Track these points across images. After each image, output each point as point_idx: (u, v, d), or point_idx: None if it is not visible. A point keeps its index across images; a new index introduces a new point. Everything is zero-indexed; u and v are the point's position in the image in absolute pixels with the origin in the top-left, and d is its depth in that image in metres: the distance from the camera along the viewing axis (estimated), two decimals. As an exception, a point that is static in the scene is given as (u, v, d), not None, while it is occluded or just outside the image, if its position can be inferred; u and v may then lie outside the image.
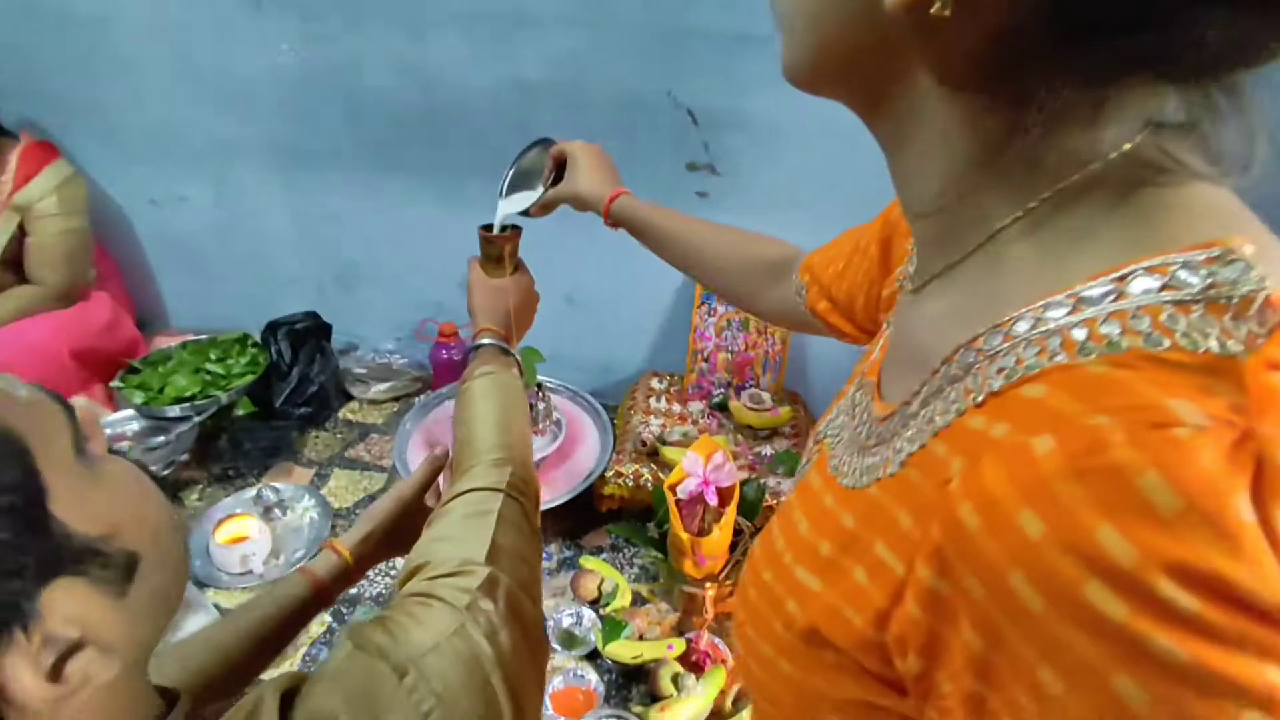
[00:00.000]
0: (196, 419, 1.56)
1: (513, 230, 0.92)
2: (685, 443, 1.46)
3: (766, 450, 1.52)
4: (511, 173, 0.98)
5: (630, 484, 1.44)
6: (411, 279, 1.81)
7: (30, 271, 1.63)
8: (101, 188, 1.82)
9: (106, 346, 1.70)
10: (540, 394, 1.47)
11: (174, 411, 1.56)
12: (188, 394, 1.59)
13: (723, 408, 1.62)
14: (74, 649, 0.32)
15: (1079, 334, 0.28)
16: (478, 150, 1.58)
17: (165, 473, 1.50)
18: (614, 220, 0.89)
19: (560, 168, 0.95)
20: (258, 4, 1.50)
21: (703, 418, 1.62)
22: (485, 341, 0.83)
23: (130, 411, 1.59)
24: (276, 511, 1.43)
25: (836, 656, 0.36)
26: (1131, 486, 0.23)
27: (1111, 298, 0.28)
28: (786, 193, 1.48)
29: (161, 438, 1.53)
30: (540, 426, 1.46)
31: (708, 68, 1.38)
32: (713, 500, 1.19)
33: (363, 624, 0.45)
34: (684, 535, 1.18)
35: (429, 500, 0.83)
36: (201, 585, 1.28)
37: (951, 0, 0.27)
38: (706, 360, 1.66)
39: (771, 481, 1.44)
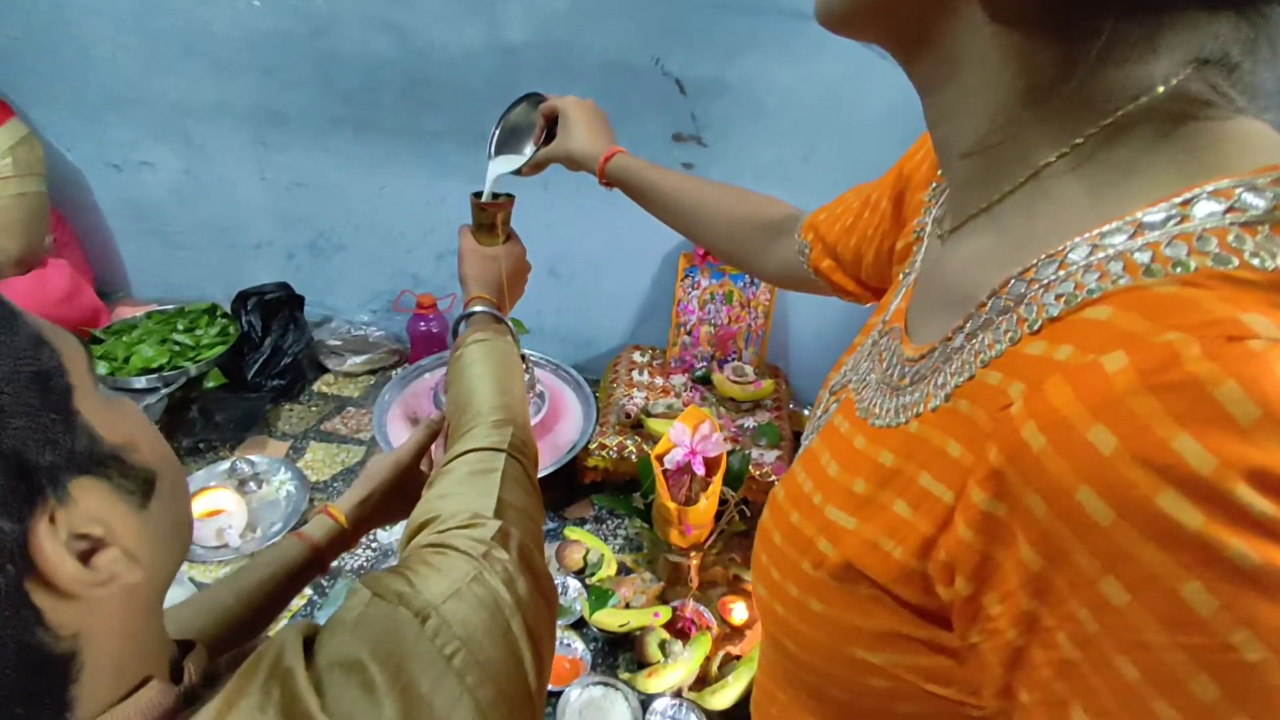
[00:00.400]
0: (164, 390, 1.51)
1: (506, 198, 0.90)
2: (670, 415, 1.46)
3: (749, 423, 1.53)
4: (499, 131, 0.95)
5: (614, 456, 1.44)
6: (388, 249, 1.76)
7: (-17, 236, 1.55)
8: (59, 151, 1.73)
9: (66, 316, 1.63)
10: (524, 366, 1.46)
11: (140, 383, 1.50)
12: (155, 365, 1.54)
13: (705, 381, 1.62)
14: (99, 545, 0.32)
15: (1142, 257, 0.28)
16: (458, 116, 1.54)
17: (133, 445, 1.45)
18: (609, 180, 0.87)
19: (551, 125, 0.93)
20: (226, -45, 1.43)
21: (685, 391, 1.62)
22: (478, 309, 0.82)
23: (94, 382, 1.53)
24: (252, 484, 1.40)
25: (871, 590, 0.36)
26: (1209, 397, 0.23)
27: (1175, 221, 0.29)
28: (773, 166, 1.48)
29: (128, 409, 1.48)
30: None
31: (697, 37, 1.36)
32: (700, 470, 1.19)
33: (378, 574, 0.44)
34: (671, 505, 1.18)
35: (423, 467, 0.82)
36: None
37: None
38: (689, 334, 1.66)
39: (754, 453, 1.45)
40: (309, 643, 0.38)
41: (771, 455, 1.45)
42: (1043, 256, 0.33)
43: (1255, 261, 0.26)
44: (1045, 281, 0.32)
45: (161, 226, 1.82)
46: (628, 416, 1.49)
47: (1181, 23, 0.29)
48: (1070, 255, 0.32)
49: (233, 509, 1.30)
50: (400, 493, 0.78)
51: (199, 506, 1.29)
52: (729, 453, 1.35)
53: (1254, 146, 0.30)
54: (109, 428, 0.34)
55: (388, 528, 1.37)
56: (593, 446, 1.45)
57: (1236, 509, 0.23)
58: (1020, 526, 0.28)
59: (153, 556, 0.35)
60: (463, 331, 0.80)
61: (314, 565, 0.70)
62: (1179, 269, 0.27)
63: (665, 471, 1.22)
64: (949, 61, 0.35)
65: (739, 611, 1.25)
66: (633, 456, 1.43)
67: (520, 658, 0.43)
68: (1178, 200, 0.29)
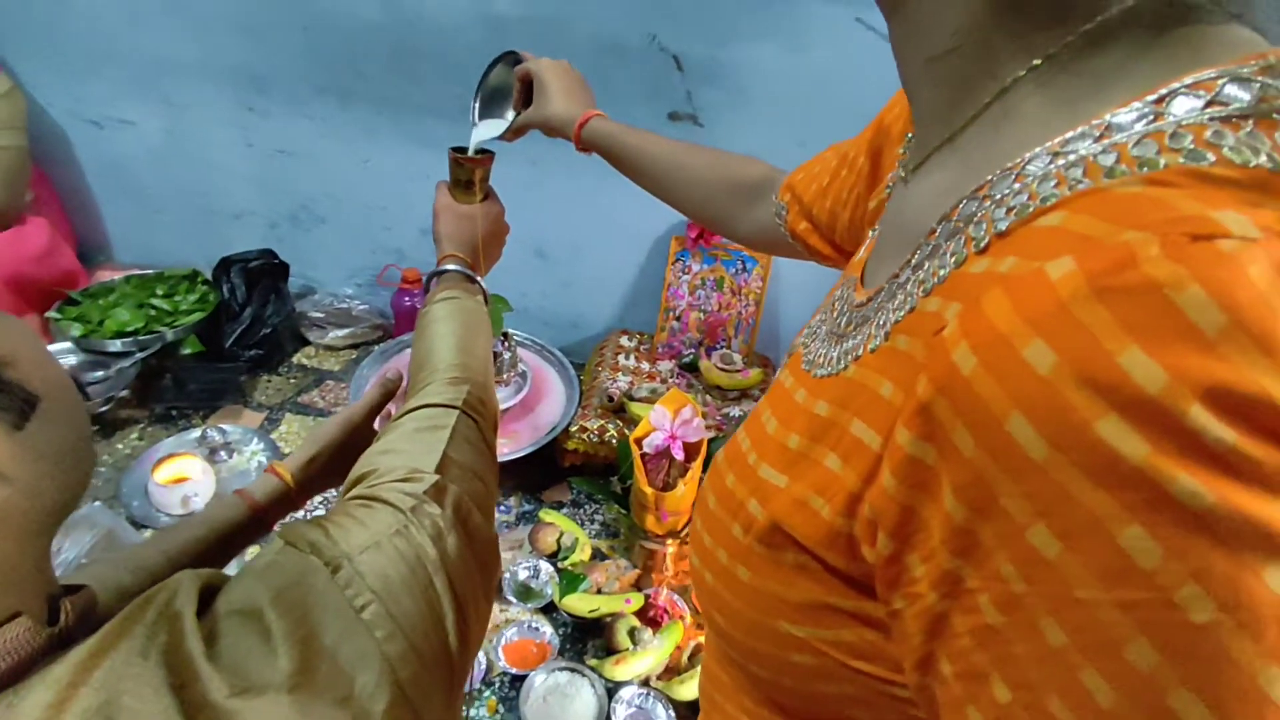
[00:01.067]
0: (139, 355, 1.47)
1: (485, 154, 0.86)
2: (653, 399, 1.43)
3: (735, 412, 1.50)
4: (480, 93, 0.91)
5: (594, 439, 1.41)
6: (372, 221, 1.73)
7: (-42, 190, 1.51)
8: (41, 106, 1.69)
9: (42, 275, 1.59)
10: (506, 344, 1.43)
11: (115, 346, 1.47)
12: (130, 328, 1.51)
13: (692, 368, 1.59)
14: None
15: (1106, 159, 0.25)
16: (445, 86, 1.50)
17: (103, 409, 1.42)
18: (585, 145, 0.84)
19: (529, 88, 0.89)
20: (214, -91, 1.39)
21: (672, 377, 1.59)
22: (450, 268, 0.78)
23: (67, 344, 1.50)
24: (222, 453, 1.37)
25: (797, 556, 0.33)
26: (1168, 304, 0.20)
27: (1148, 120, 0.25)
28: (768, 150, 1.43)
29: (100, 373, 1.45)
30: (505, 377, 1.42)
31: (694, 15, 1.33)
32: (679, 455, 1.17)
33: (296, 523, 0.41)
34: (648, 489, 1.16)
35: (378, 425, 0.79)
36: (139, 526, 1.22)
37: None
38: (678, 319, 1.63)
39: (737, 442, 1.42)
40: (215, 590, 0.35)
41: (754, 445, 1.42)
42: (998, 172, 0.29)
43: (1234, 158, 0.22)
44: (999, 197, 0.29)
45: (142, 188, 1.78)
46: (610, 400, 1.47)
47: None
48: (1028, 167, 0.28)
49: (199, 477, 1.27)
50: (351, 452, 0.74)
51: (164, 473, 1.26)
52: (711, 439, 1.32)
53: (1247, 48, 0.26)
54: None
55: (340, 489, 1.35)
56: (573, 429, 1.42)
57: (1188, 436, 0.20)
58: (946, 471, 0.25)
59: (29, 480, 0.32)
60: (433, 289, 0.77)
61: (255, 525, 0.67)
62: (1146, 168, 0.24)
63: (644, 456, 1.19)
64: None
65: (713, 602, 1.23)
66: (613, 440, 1.41)
67: (441, 616, 0.40)
68: (1152, 98, 0.25)
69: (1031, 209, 0.26)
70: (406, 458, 0.52)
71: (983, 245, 0.28)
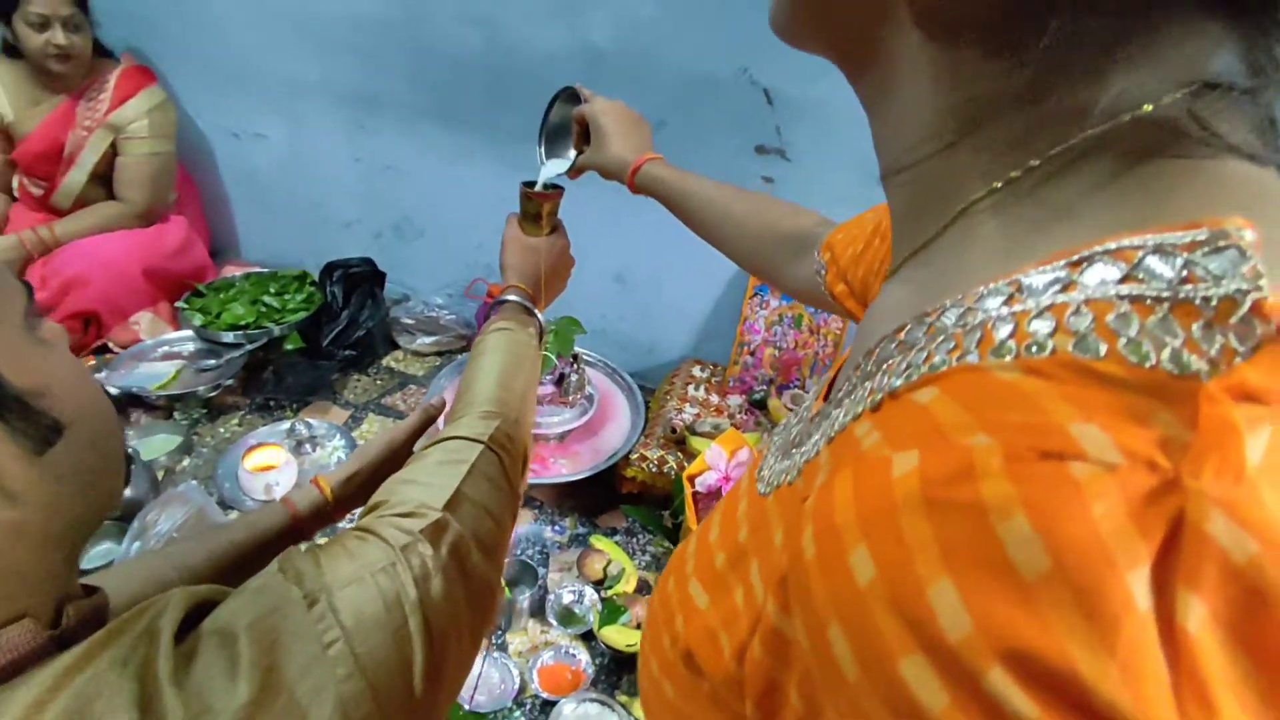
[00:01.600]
0: (247, 347, 1.61)
1: (554, 189, 0.88)
2: (714, 434, 1.40)
3: (800, 455, 1.45)
4: (544, 132, 0.93)
5: (653, 469, 1.40)
6: (465, 237, 1.81)
7: (116, 189, 1.71)
8: (190, 116, 1.89)
9: (176, 268, 1.77)
10: (575, 365, 1.45)
11: (228, 337, 1.61)
12: (243, 322, 1.64)
13: (762, 405, 1.55)
14: None
15: (1002, 330, 0.22)
16: (538, 113, 1.55)
17: (211, 395, 1.55)
18: (639, 190, 0.83)
19: (587, 128, 0.90)
20: (344, -55, 1.51)
21: (740, 413, 1.56)
22: (510, 298, 0.80)
23: (189, 332, 1.66)
24: (307, 446, 1.46)
25: (710, 687, 0.31)
26: (989, 534, 0.17)
27: (1058, 287, 0.22)
28: (855, 188, 1.39)
29: (212, 361, 1.59)
30: (570, 398, 1.44)
31: (786, 49, 1.30)
32: (730, 497, 1.14)
33: (295, 550, 0.43)
34: (696, 529, 1.13)
35: (418, 448, 0.82)
36: (227, 507, 1.32)
37: None
38: (752, 354, 1.60)
39: (800, 488, 1.37)
40: (210, 606, 0.37)
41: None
42: (948, 302, 0.26)
43: (1130, 354, 0.19)
44: (910, 345, 0.26)
45: (268, 194, 1.95)
46: (673, 431, 1.45)
47: (1165, 32, 0.22)
48: (943, 318, 0.25)
49: (284, 466, 1.36)
50: (388, 473, 0.77)
51: (253, 461, 1.36)
52: (767, 484, 1.28)
53: (1226, 193, 0.22)
54: (20, 370, 0.34)
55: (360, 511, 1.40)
56: (633, 456, 1.42)
57: (986, 700, 0.17)
58: (795, 655, 0.23)
59: (46, 500, 0.35)
60: (492, 317, 0.79)
61: (294, 534, 0.71)
62: (1033, 349, 0.20)
63: (696, 494, 1.17)
64: (889, 76, 0.30)
65: (757, 652, 1.18)
66: (672, 472, 1.39)
67: (409, 658, 0.41)
68: (1072, 259, 0.22)
69: (920, 374, 0.23)
70: (422, 490, 0.53)
71: (876, 402, 0.25)
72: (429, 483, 0.54)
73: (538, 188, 0.90)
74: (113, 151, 1.68)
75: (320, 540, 0.59)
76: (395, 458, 0.78)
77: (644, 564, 1.35)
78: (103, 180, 1.71)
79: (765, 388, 1.58)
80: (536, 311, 0.81)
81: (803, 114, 1.36)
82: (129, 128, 1.66)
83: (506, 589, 1.17)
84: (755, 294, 1.56)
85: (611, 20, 1.39)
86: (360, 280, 1.75)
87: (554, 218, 0.90)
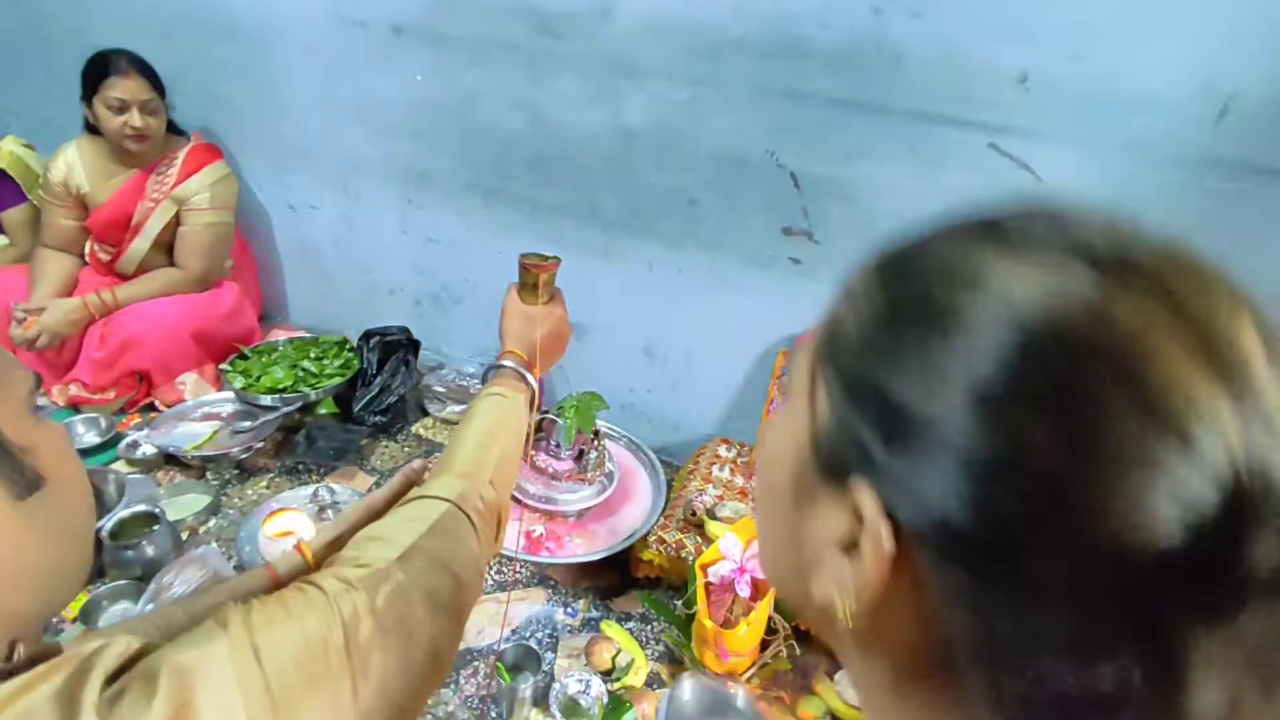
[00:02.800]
0: (282, 410, 1.65)
1: (550, 260, 0.89)
2: (734, 520, 1.35)
3: (827, 544, 1.38)
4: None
5: (671, 553, 1.35)
6: (499, 308, 1.83)
7: (177, 256, 1.82)
8: (251, 189, 2.01)
9: (225, 331, 1.85)
10: (595, 442, 1.43)
11: (265, 400, 1.66)
12: (281, 386, 1.69)
13: (788, 489, 1.49)
14: None
15: None
16: (575, 193, 1.59)
17: (243, 457, 1.59)
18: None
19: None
20: (398, 31, 1.61)
21: (765, 496, 1.50)
22: (506, 364, 0.83)
23: (230, 394, 1.71)
24: (329, 512, 1.47)
25: None
26: None
27: None
28: (887, 270, 1.37)
29: (248, 423, 1.64)
30: (589, 475, 1.42)
31: (816, 133, 1.32)
32: (744, 591, 1.09)
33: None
34: (708, 623, 1.08)
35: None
36: (243, 570, 1.33)
37: (856, 616, 0.28)
38: (779, 435, 1.55)
39: (825, 581, 1.30)
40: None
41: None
42: None
43: None
44: None
45: (319, 262, 2.04)
46: (693, 514, 1.41)
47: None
48: None
49: (303, 532, 1.37)
50: None
51: (274, 525, 1.37)
52: (787, 577, 1.22)
53: None
54: (15, 430, 0.41)
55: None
56: (651, 539, 1.38)
57: None
58: None
59: (17, 541, 0.40)
60: (487, 382, 0.82)
61: None
62: None
63: (709, 585, 1.12)
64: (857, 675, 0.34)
65: (772, 762, 1.10)
66: (690, 557, 1.34)
67: (335, 697, 0.43)
68: None
69: None
70: (381, 545, 0.55)
71: None
72: (390, 538, 0.56)
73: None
74: (176, 222, 1.79)
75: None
76: (374, 521, 0.78)
77: (656, 654, 1.29)
78: (165, 248, 1.81)
79: (792, 471, 1.53)
80: (530, 377, 0.83)
81: (829, 196, 1.35)
82: (192, 199, 1.77)
83: (507, 675, 1.13)
84: (782, 374, 1.52)
85: (645, 104, 1.43)
86: (396, 347, 1.79)
87: (551, 287, 0.92)
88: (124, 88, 1.62)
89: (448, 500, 0.62)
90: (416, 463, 0.75)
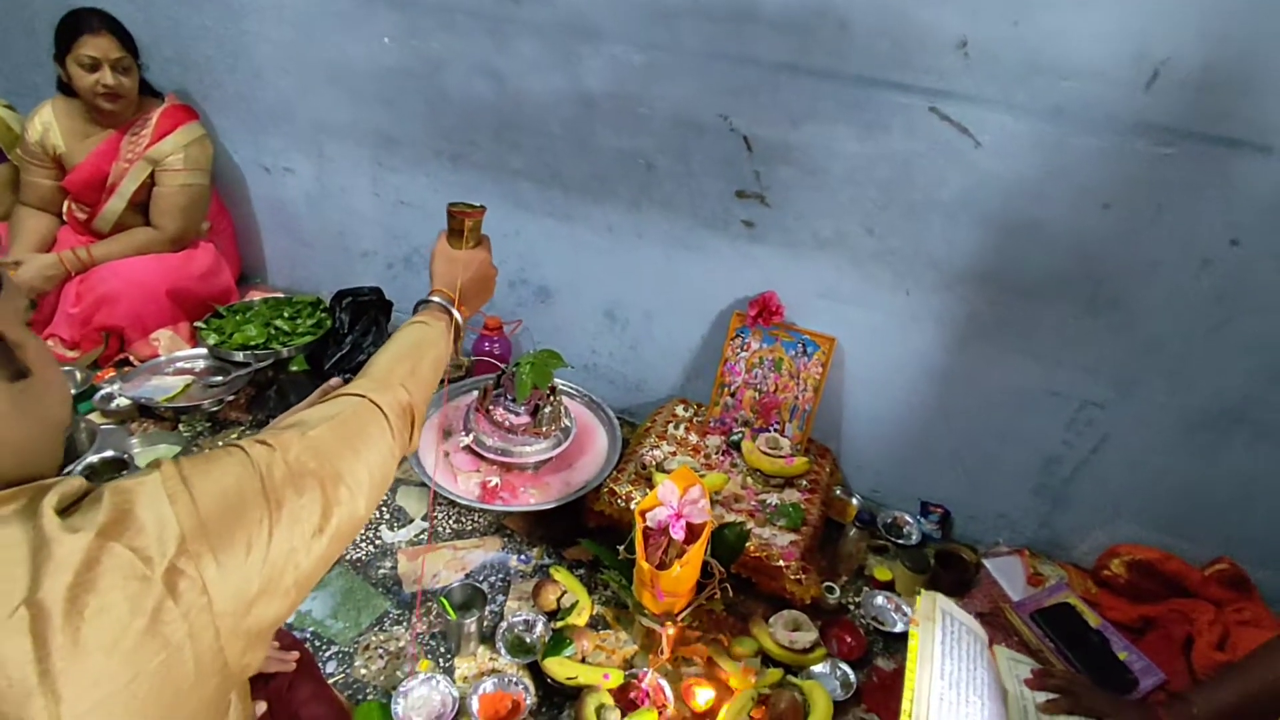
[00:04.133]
0: (254, 366, 1.69)
1: (470, 208, 0.96)
2: (682, 473, 1.40)
3: (773, 499, 1.43)
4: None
5: (621, 504, 1.40)
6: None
7: (152, 216, 1.85)
8: (228, 152, 2.04)
9: (200, 290, 1.89)
10: (551, 397, 1.48)
11: (238, 356, 1.70)
12: (253, 343, 1.74)
13: (739, 447, 1.55)
14: None
15: None
16: (540, 156, 1.62)
17: (215, 409, 1.64)
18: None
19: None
20: (368, -1, 1.63)
21: (717, 453, 1.55)
22: (433, 299, 0.92)
23: (203, 350, 1.76)
24: (294, 463, 1.52)
25: None
26: None
27: None
28: (836, 236, 1.41)
29: (219, 378, 1.68)
30: (544, 429, 1.46)
31: (764, 97, 1.34)
32: (678, 535, 1.13)
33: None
34: (645, 564, 1.13)
35: None
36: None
37: None
38: (733, 395, 1.60)
39: (766, 532, 1.35)
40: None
41: (785, 539, 1.35)
42: None
43: None
44: None
45: (295, 224, 2.07)
46: (644, 468, 1.46)
47: None
48: None
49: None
50: None
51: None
52: (723, 525, 1.27)
53: None
54: (12, 331, 0.52)
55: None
56: (604, 491, 1.43)
57: None
58: None
59: (3, 414, 0.50)
60: (415, 314, 0.91)
61: None
62: None
63: (646, 529, 1.17)
64: None
65: (704, 697, 1.16)
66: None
67: (251, 527, 0.53)
68: None
69: None
70: (299, 426, 0.64)
71: None
72: (304, 420, 0.65)
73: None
74: (151, 182, 1.82)
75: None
76: None
77: (604, 599, 1.34)
78: (140, 208, 1.84)
79: (742, 430, 1.58)
80: (454, 310, 0.92)
81: (780, 160, 1.39)
82: (166, 160, 1.80)
83: (453, 611, 1.18)
84: (737, 335, 1.57)
85: (604, 68, 1.46)
86: (367, 308, 1.83)
87: (477, 233, 0.99)
88: (95, 45, 1.64)
89: (361, 395, 0.71)
90: (334, 380, 0.82)
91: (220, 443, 0.60)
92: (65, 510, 0.46)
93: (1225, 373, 1.23)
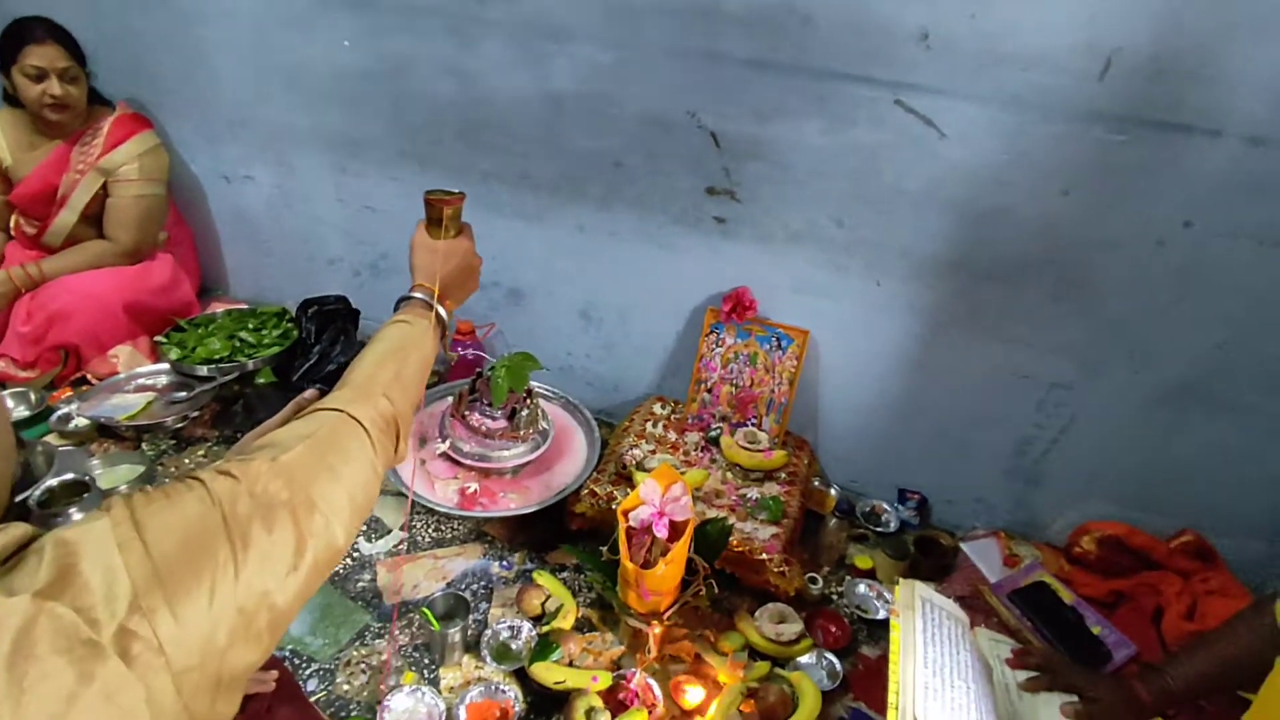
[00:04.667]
0: (218, 380, 1.65)
1: (449, 195, 0.91)
2: (662, 471, 1.40)
3: (753, 493, 1.44)
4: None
5: (603, 505, 1.40)
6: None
7: (106, 229, 1.79)
8: (185, 161, 1.98)
9: (159, 304, 1.83)
10: (528, 400, 1.46)
11: (202, 371, 1.65)
12: (217, 356, 1.69)
13: (718, 443, 1.55)
14: None
15: None
16: (509, 157, 1.61)
17: (179, 426, 1.59)
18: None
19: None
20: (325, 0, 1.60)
21: (696, 450, 1.55)
22: (414, 295, 0.86)
23: (164, 366, 1.71)
24: (265, 478, 1.48)
25: None
26: None
27: None
28: (806, 228, 1.42)
29: (183, 393, 1.63)
30: (522, 433, 1.45)
31: (732, 93, 1.35)
32: (662, 533, 1.13)
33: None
34: (629, 564, 1.13)
35: None
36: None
37: None
38: (710, 391, 1.61)
39: (748, 527, 1.36)
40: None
41: (767, 532, 1.35)
42: None
43: None
44: None
45: (256, 234, 2.03)
46: (624, 467, 1.45)
47: None
48: None
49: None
50: None
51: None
52: (706, 521, 1.28)
53: None
54: None
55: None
56: (584, 493, 1.42)
57: None
58: None
59: None
60: (396, 311, 0.85)
61: None
62: None
63: (629, 529, 1.17)
64: None
65: (693, 694, 1.16)
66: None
67: (212, 570, 0.48)
68: None
69: None
70: (269, 449, 0.58)
71: None
72: (276, 442, 0.60)
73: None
74: (104, 193, 1.76)
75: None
76: None
77: (588, 601, 1.34)
78: (93, 220, 1.79)
79: (720, 425, 1.58)
80: (439, 306, 0.86)
81: (748, 155, 1.39)
82: (119, 170, 1.74)
83: (436, 622, 1.17)
84: (711, 331, 1.57)
85: (571, 68, 1.45)
86: (334, 317, 1.79)
87: (457, 222, 0.93)
88: (41, 55, 1.59)
89: (339, 410, 0.65)
90: (308, 392, 0.76)
91: (178, 474, 0.54)
92: (4, 562, 0.42)
93: (1184, 350, 1.27)
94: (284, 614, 0.52)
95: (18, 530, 0.45)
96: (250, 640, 0.49)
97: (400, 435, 0.71)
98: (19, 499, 1.30)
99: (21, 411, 1.59)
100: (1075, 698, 1.03)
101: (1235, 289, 1.20)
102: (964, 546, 1.48)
